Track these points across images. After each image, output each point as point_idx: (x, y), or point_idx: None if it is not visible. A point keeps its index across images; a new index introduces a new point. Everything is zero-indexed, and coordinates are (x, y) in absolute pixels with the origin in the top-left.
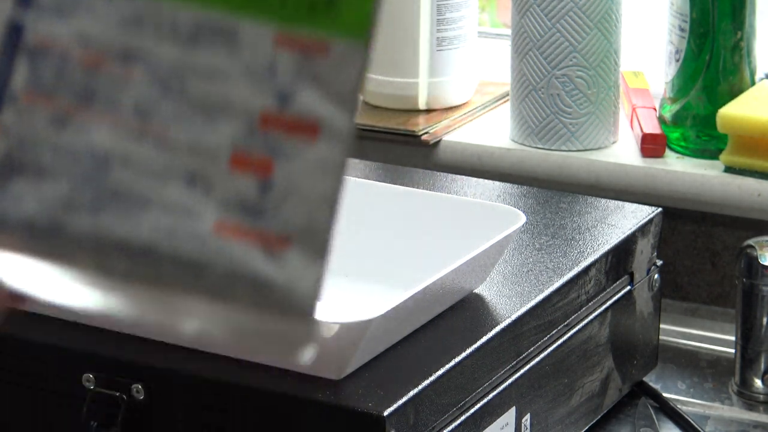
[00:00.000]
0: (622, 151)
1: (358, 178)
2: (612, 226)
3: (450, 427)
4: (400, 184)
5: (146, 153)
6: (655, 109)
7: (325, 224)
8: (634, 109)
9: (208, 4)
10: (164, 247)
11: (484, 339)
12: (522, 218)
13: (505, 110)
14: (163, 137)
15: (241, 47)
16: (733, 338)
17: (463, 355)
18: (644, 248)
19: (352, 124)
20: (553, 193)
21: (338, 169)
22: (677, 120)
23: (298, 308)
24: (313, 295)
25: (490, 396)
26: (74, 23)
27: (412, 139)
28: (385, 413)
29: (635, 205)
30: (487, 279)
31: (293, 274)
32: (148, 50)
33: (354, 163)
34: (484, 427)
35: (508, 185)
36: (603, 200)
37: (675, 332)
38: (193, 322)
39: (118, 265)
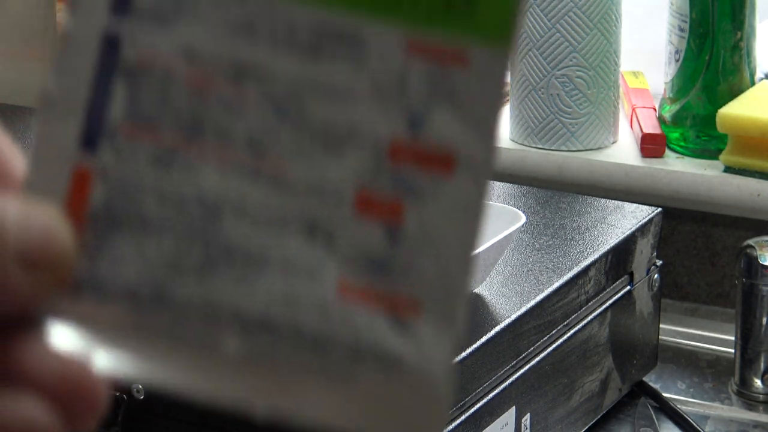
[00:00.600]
0: (622, 151)
1: None
2: (612, 226)
3: (450, 427)
4: None
5: (261, 197)
6: (654, 109)
7: (460, 283)
8: (633, 109)
9: (330, 3)
10: (282, 318)
11: (484, 339)
12: (522, 218)
13: (505, 110)
14: (280, 176)
15: (368, 57)
16: (732, 338)
17: (463, 355)
18: (644, 248)
19: (492, 155)
20: (553, 193)
21: (476, 212)
22: (677, 120)
23: (428, 391)
24: (448, 375)
25: (490, 396)
26: (179, 33)
27: None
28: None
29: (635, 205)
30: (487, 279)
31: (424, 349)
32: (262, 65)
33: None
34: (484, 427)
35: (508, 185)
36: (603, 200)
37: (675, 332)
38: (307, 409)
39: (229, 342)
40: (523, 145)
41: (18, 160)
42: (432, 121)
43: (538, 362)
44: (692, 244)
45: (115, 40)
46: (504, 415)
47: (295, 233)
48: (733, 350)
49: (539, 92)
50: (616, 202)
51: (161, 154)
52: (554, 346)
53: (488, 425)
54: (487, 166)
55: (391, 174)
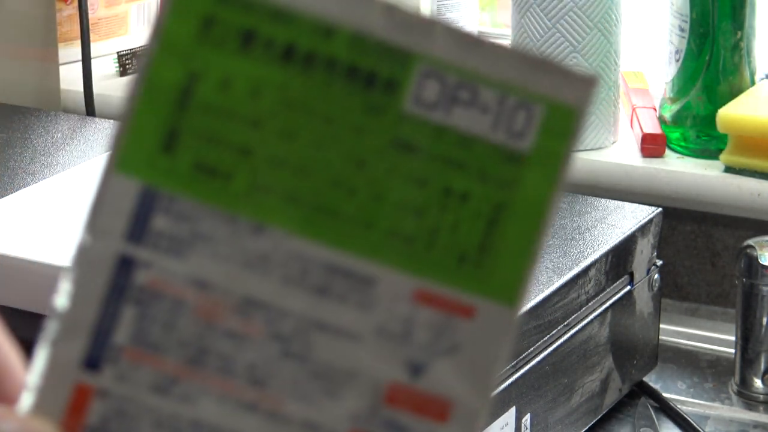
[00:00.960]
0: (622, 151)
1: None
2: (612, 226)
3: None
4: None
5: (256, 429)
6: (655, 109)
7: None
8: (634, 109)
9: (346, 245)
10: None
11: None
12: None
13: None
14: (277, 411)
15: (376, 301)
16: (733, 338)
17: None
18: (644, 248)
19: (485, 407)
20: None
21: None
22: (677, 120)
23: None
24: None
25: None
26: (192, 263)
27: None
28: None
29: (635, 205)
30: None
31: None
32: (272, 300)
33: None
34: (484, 427)
35: None
36: (603, 200)
37: (675, 332)
38: None
39: None
40: None
41: (20, 369)
42: (432, 370)
43: (538, 362)
44: (692, 244)
45: (129, 264)
46: (504, 415)
47: None
48: (733, 350)
49: None
50: (616, 202)
51: (162, 381)
52: (554, 346)
53: (488, 425)
54: (481, 416)
55: (386, 417)
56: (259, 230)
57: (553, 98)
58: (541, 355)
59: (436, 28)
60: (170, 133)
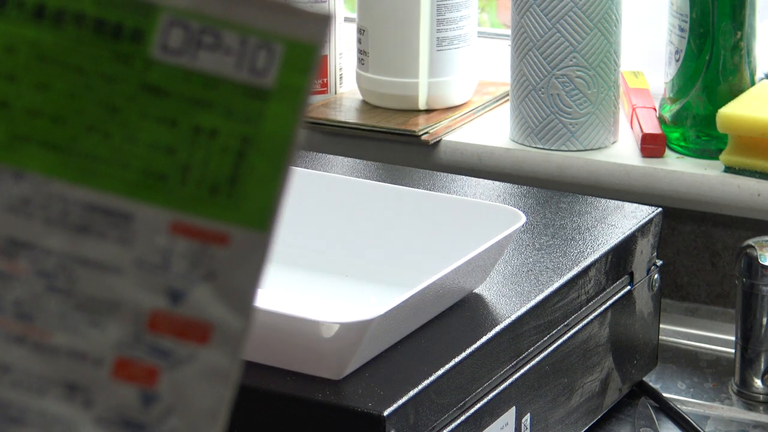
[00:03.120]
0: (622, 151)
1: (359, 178)
2: (612, 226)
3: (450, 427)
4: (400, 184)
5: (24, 361)
6: (655, 109)
7: None
8: (634, 109)
9: (103, 185)
10: None
11: (484, 339)
12: (522, 218)
13: (505, 110)
14: (44, 342)
15: (134, 235)
16: (733, 338)
17: (463, 355)
18: (644, 248)
19: (246, 328)
20: (553, 193)
21: (227, 378)
22: (677, 120)
23: None
24: None
25: (490, 396)
26: None
27: (412, 139)
28: (385, 413)
29: (635, 205)
30: (487, 279)
31: None
32: (35, 239)
33: (354, 163)
34: (484, 427)
35: (508, 185)
36: (603, 200)
37: (675, 332)
38: None
39: None
40: (523, 145)
41: None
42: (191, 296)
43: (538, 362)
44: (692, 244)
45: None
46: (504, 415)
47: (55, 394)
48: (733, 350)
49: (539, 92)
50: (616, 202)
51: None
52: (554, 346)
53: (488, 425)
54: (242, 336)
55: (149, 342)
56: (19, 176)
57: (291, 37)
58: (541, 355)
59: None
60: None
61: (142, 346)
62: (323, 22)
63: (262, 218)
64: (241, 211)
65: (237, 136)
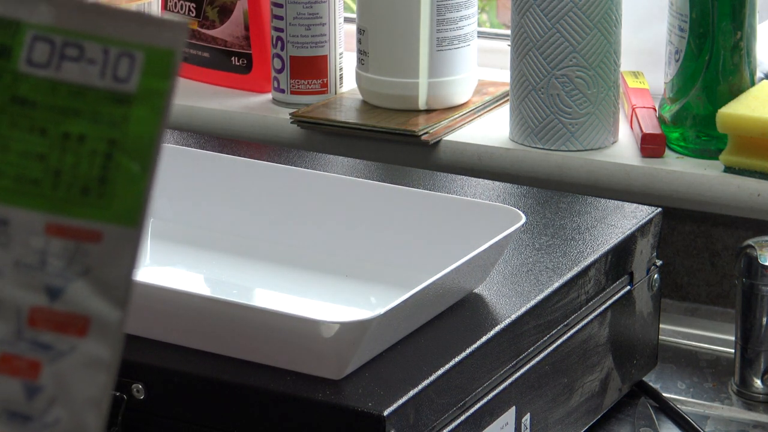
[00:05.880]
0: (622, 151)
1: (359, 178)
2: (612, 226)
3: (450, 427)
4: (400, 184)
5: None
6: (655, 109)
7: (92, 429)
8: (634, 109)
9: None
10: None
11: (484, 339)
12: (522, 218)
13: (505, 110)
14: None
15: (11, 239)
16: (732, 338)
17: (463, 355)
18: (644, 248)
19: (123, 319)
20: (553, 193)
21: (107, 367)
22: (677, 120)
23: None
24: None
25: (490, 396)
26: None
27: (412, 139)
28: (385, 413)
29: (635, 205)
30: (487, 279)
31: None
32: None
33: (354, 163)
34: (484, 427)
35: (508, 185)
36: (603, 200)
37: (675, 332)
38: None
39: None
40: (523, 145)
41: None
42: (68, 292)
43: (538, 362)
44: (692, 244)
45: None
46: (504, 415)
47: None
48: (733, 350)
49: (539, 92)
50: (616, 202)
51: None
52: (554, 346)
53: (488, 425)
54: (119, 327)
55: (30, 338)
56: None
57: (151, 45)
58: (541, 355)
59: (41, 1)
60: None
61: (24, 341)
62: (180, 29)
63: (131, 215)
64: (111, 209)
65: (104, 140)
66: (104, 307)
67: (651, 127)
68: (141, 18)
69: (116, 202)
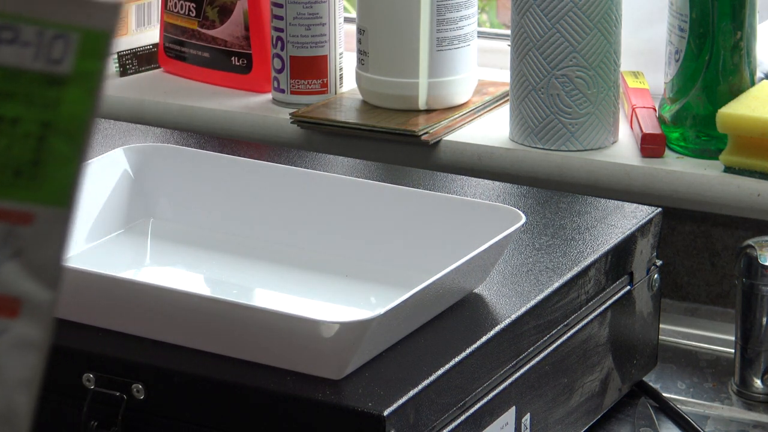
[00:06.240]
0: (622, 151)
1: (359, 178)
2: (612, 226)
3: (450, 427)
4: (400, 184)
5: None
6: (654, 109)
7: (23, 410)
8: (633, 109)
9: None
10: None
11: (484, 339)
12: (522, 218)
13: (505, 110)
14: None
15: None
16: (732, 338)
17: (463, 355)
18: (644, 248)
19: (54, 300)
20: (553, 193)
21: (39, 348)
22: (677, 120)
23: None
24: None
25: (490, 396)
26: None
27: (412, 139)
28: (385, 413)
29: (635, 205)
30: (487, 279)
31: None
32: None
33: (354, 163)
34: (484, 427)
35: (508, 185)
36: (603, 200)
37: (675, 332)
38: None
39: None
40: (523, 145)
41: None
42: (1, 273)
43: (538, 362)
44: (692, 244)
45: None
46: (504, 415)
47: None
48: (733, 350)
49: (539, 92)
50: (616, 202)
51: None
52: (554, 346)
53: (488, 425)
54: (50, 308)
55: None
56: None
57: (85, 26)
58: (541, 355)
59: None
60: None
61: None
62: (114, 10)
63: (63, 196)
64: (43, 191)
65: (37, 122)
66: (36, 289)
67: (651, 127)
68: (76, 0)
69: (48, 183)
